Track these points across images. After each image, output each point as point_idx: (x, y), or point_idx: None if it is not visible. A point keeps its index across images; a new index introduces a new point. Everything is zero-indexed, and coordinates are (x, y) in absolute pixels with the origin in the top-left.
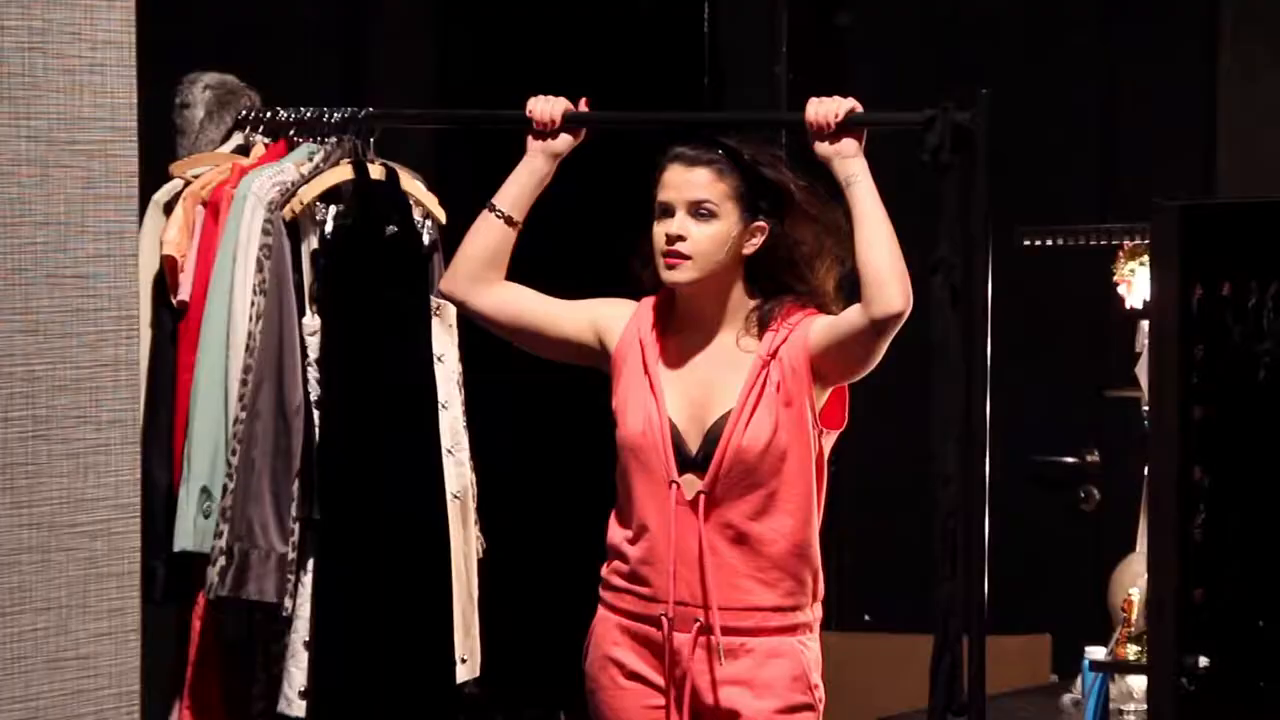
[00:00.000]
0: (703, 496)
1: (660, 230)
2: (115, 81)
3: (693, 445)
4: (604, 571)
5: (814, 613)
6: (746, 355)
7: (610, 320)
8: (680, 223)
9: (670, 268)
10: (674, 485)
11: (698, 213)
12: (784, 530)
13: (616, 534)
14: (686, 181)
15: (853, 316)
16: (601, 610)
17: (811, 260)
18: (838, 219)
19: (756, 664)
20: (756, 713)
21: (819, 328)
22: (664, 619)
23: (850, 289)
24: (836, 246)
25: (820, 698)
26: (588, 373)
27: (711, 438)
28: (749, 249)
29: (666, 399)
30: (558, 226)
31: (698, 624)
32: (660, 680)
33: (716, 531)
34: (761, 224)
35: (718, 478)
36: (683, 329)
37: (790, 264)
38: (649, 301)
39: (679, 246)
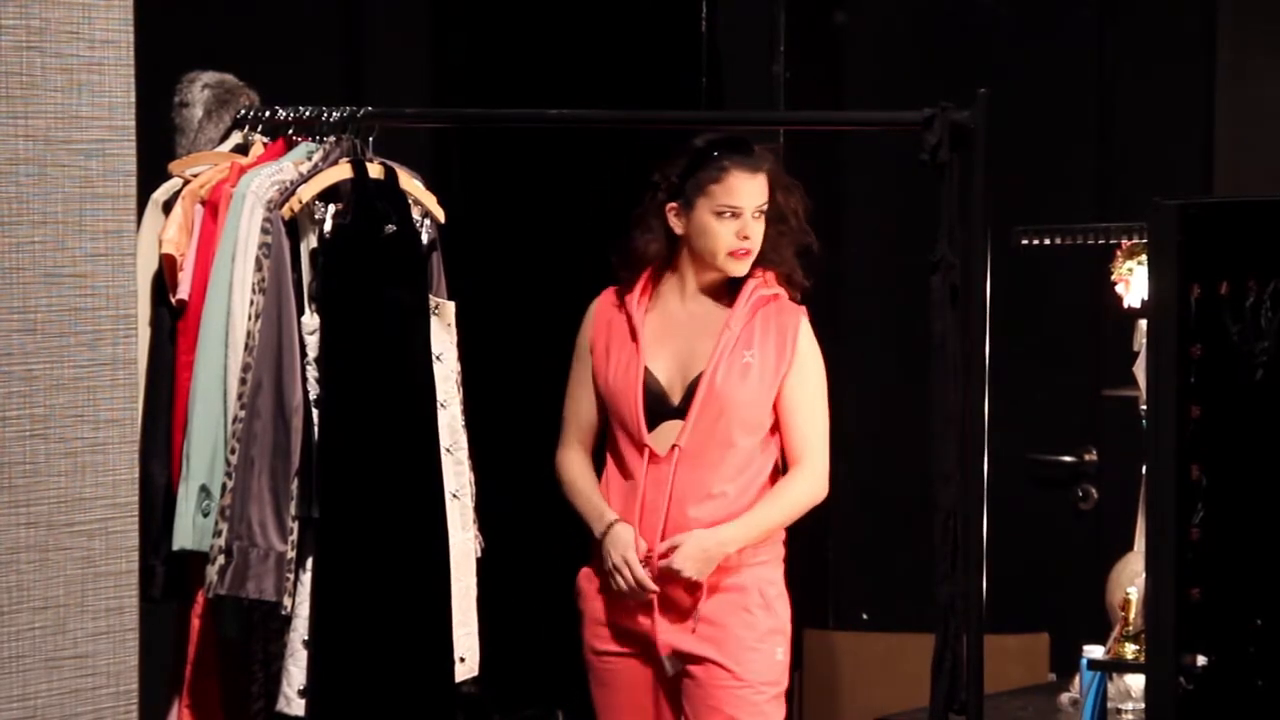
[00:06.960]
0: (676, 450)
1: (727, 230)
2: (113, 80)
3: (675, 397)
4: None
5: (775, 550)
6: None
7: (586, 357)
8: (748, 224)
9: (738, 261)
10: (646, 448)
11: (757, 214)
12: (749, 483)
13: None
14: (753, 189)
15: (787, 447)
16: (588, 569)
17: (792, 234)
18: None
19: (721, 601)
20: (735, 643)
21: (791, 386)
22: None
23: (808, 262)
24: (802, 228)
25: (786, 622)
26: None
27: (691, 389)
28: None
29: (654, 358)
30: (555, 224)
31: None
32: (638, 631)
33: (686, 488)
34: None
35: (693, 424)
36: (684, 300)
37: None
38: (608, 295)
39: (747, 245)
